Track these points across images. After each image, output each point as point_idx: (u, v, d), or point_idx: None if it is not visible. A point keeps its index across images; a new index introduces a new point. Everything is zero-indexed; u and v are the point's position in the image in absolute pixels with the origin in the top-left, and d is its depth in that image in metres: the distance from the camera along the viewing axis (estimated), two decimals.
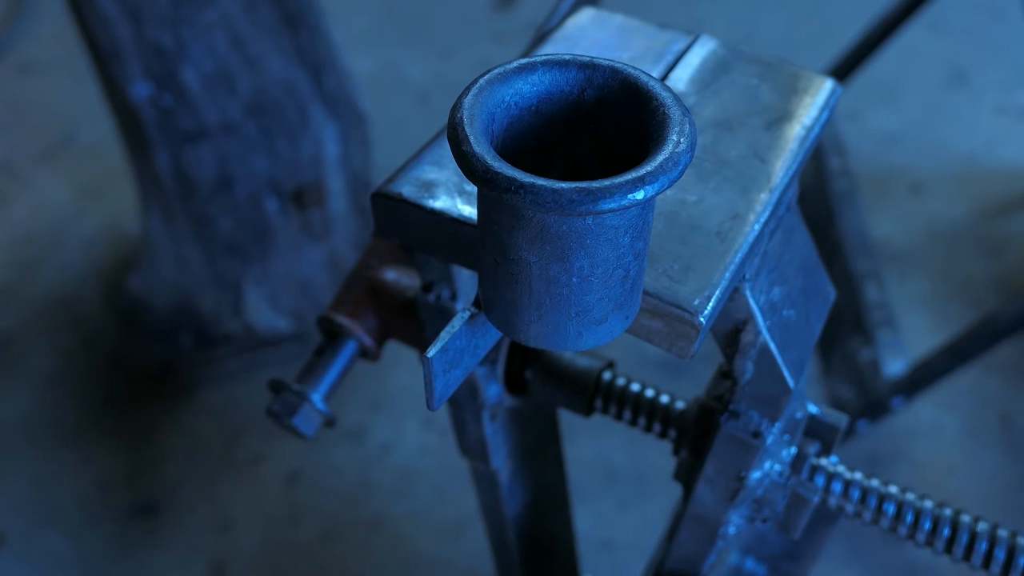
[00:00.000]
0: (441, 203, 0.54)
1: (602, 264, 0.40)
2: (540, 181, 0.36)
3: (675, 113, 0.40)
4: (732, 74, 0.63)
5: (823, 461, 0.68)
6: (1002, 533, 0.64)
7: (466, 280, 0.64)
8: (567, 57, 0.43)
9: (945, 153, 2.09)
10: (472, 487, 0.87)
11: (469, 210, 0.54)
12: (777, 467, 0.66)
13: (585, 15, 0.67)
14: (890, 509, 0.66)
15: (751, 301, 0.55)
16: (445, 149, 0.57)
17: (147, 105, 1.41)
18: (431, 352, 0.44)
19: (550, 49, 0.65)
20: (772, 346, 0.57)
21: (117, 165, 1.81)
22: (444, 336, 0.45)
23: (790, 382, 0.59)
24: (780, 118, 0.59)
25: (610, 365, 0.76)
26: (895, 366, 1.58)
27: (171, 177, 1.49)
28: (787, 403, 0.61)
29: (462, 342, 0.46)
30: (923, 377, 1.47)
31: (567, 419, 0.88)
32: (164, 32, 1.35)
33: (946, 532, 0.65)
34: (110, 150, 1.81)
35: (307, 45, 1.46)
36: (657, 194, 0.37)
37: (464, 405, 0.76)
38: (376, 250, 0.74)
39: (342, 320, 0.71)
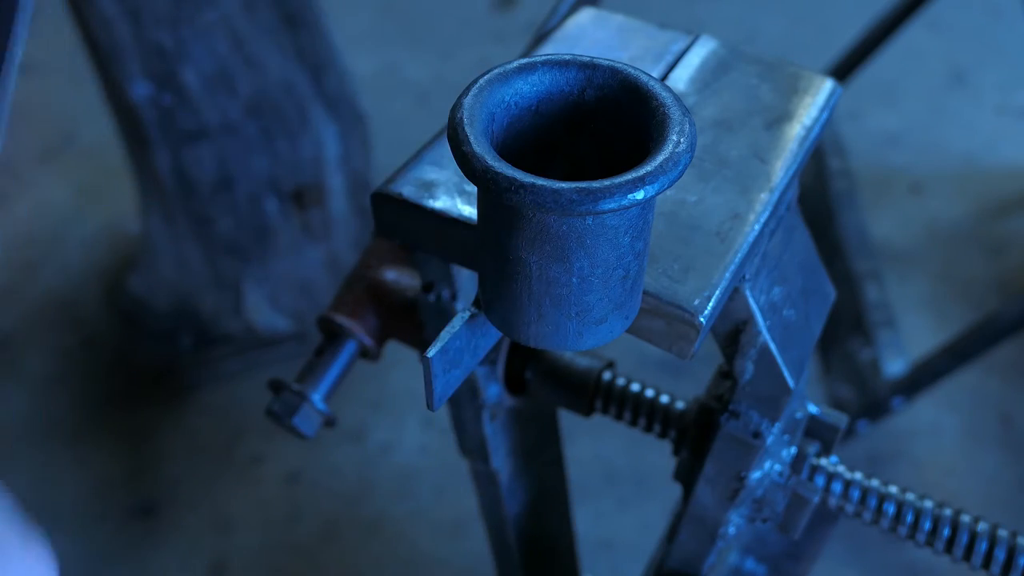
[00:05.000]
0: (441, 203, 0.54)
1: (602, 264, 0.40)
2: (540, 181, 0.36)
3: (675, 113, 0.40)
4: (732, 74, 0.63)
5: (823, 461, 0.68)
6: (1002, 533, 0.64)
7: (466, 280, 0.64)
8: (567, 57, 0.43)
9: (945, 153, 2.09)
10: (472, 487, 0.87)
11: (469, 210, 0.54)
12: (777, 467, 0.66)
13: (585, 15, 0.67)
14: (890, 509, 0.66)
15: (751, 301, 0.55)
16: (445, 149, 0.57)
17: (147, 105, 1.41)
18: (431, 352, 0.44)
19: (550, 49, 0.65)
20: (772, 346, 0.57)
21: (117, 165, 1.81)
22: (444, 336, 0.45)
23: (790, 382, 0.59)
24: (780, 118, 0.59)
25: (610, 365, 0.76)
26: (895, 366, 1.58)
27: (171, 177, 1.49)
28: (787, 403, 0.61)
29: (462, 342, 0.46)
30: (923, 377, 1.47)
31: (567, 419, 0.88)
32: (164, 32, 1.35)
33: (946, 532, 0.65)
34: (110, 150, 1.82)
35: (307, 45, 1.46)
36: (657, 194, 0.37)
37: (464, 405, 0.75)
38: (376, 250, 0.74)
39: (342, 320, 0.71)
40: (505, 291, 0.42)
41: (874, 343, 1.63)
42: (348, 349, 0.72)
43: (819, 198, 1.90)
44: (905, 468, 1.54)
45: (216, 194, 1.52)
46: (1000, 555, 0.64)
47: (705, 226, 0.52)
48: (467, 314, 0.46)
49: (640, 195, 0.36)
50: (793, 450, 0.67)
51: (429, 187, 0.55)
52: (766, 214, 0.53)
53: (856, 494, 0.67)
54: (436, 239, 0.55)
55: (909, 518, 0.66)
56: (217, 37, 1.39)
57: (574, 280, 0.40)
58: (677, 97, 0.41)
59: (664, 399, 0.74)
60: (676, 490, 0.74)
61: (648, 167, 0.37)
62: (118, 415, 1.65)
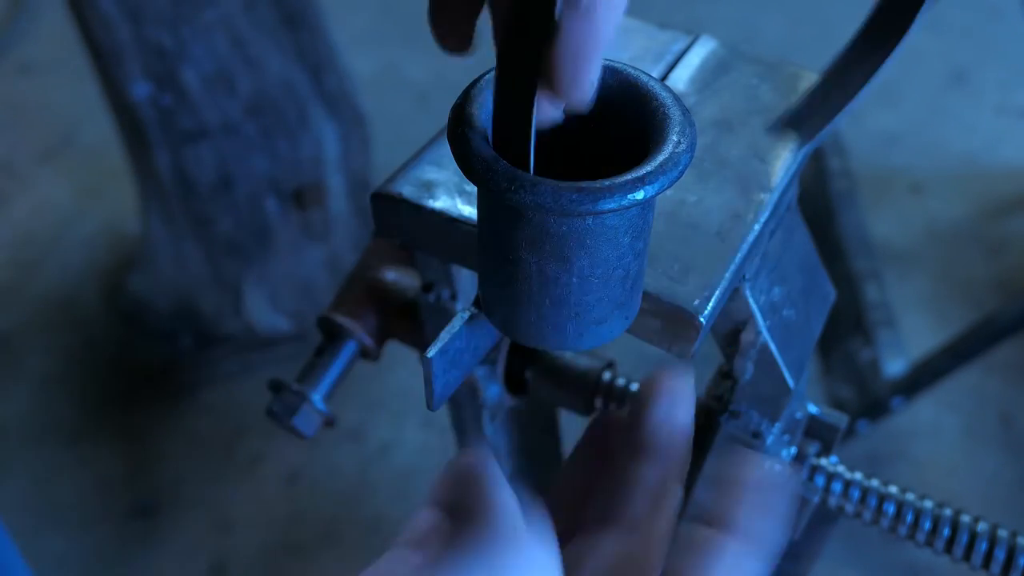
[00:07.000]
0: (441, 203, 0.54)
1: (602, 264, 0.40)
2: (540, 181, 0.36)
3: (675, 113, 0.40)
4: (732, 74, 0.63)
5: (823, 461, 0.68)
6: (1002, 533, 0.64)
7: (466, 280, 0.64)
8: None
9: (945, 153, 2.09)
10: None
11: (469, 210, 0.54)
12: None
13: None
14: (890, 509, 0.66)
15: (751, 301, 0.55)
16: (445, 149, 0.57)
17: (147, 105, 1.41)
18: (431, 352, 0.44)
19: None
20: (772, 346, 0.57)
21: (117, 165, 1.81)
22: (444, 336, 0.45)
23: (790, 382, 0.59)
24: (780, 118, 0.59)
25: (610, 365, 0.76)
26: (895, 366, 1.58)
27: (171, 177, 1.49)
28: (787, 403, 0.61)
29: (462, 342, 0.46)
30: (923, 377, 1.47)
31: (567, 419, 0.88)
32: (164, 32, 1.35)
33: (946, 532, 0.65)
34: (110, 150, 1.82)
35: (307, 45, 1.46)
36: (657, 194, 0.37)
37: (464, 405, 0.75)
38: (376, 250, 0.74)
39: (342, 320, 0.71)
40: (505, 291, 0.42)
41: (874, 343, 1.63)
42: (348, 349, 0.72)
43: (819, 198, 1.90)
44: (905, 468, 1.54)
45: (216, 194, 1.52)
46: (1000, 555, 0.64)
47: (705, 226, 0.52)
48: (467, 314, 0.46)
49: (640, 195, 0.36)
50: (793, 450, 0.67)
51: (429, 187, 0.55)
52: (766, 214, 0.53)
53: (856, 494, 0.67)
54: (436, 239, 0.55)
55: (909, 518, 0.66)
56: (217, 37, 1.39)
57: (574, 280, 0.40)
58: (677, 97, 0.41)
59: None
60: None
61: (648, 167, 0.37)
62: (118, 415, 1.65)
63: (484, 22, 0.42)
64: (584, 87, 0.37)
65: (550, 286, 0.41)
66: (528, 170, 0.38)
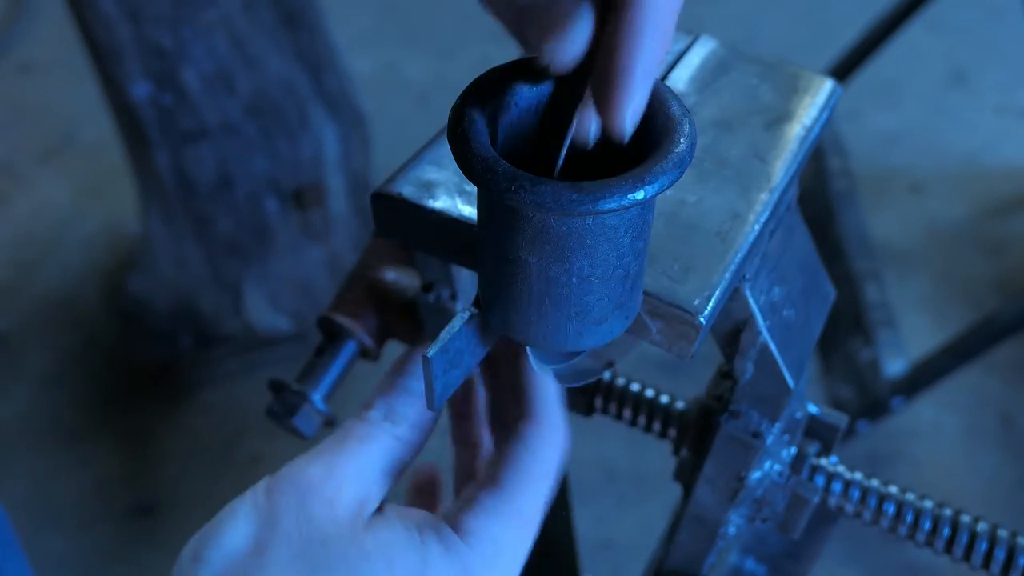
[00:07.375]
0: (441, 203, 0.54)
1: (602, 264, 0.40)
2: (540, 181, 0.36)
3: (676, 113, 0.40)
4: (732, 74, 0.63)
5: (823, 461, 0.68)
6: (1002, 533, 0.64)
7: (466, 280, 0.64)
8: None
9: (945, 153, 2.09)
10: None
11: (469, 210, 0.54)
12: (777, 467, 0.66)
13: None
14: (890, 509, 0.66)
15: (751, 301, 0.55)
16: (445, 149, 0.57)
17: (147, 105, 1.41)
18: (431, 352, 0.44)
19: None
20: (772, 346, 0.57)
21: (117, 165, 1.81)
22: (444, 336, 0.45)
23: (790, 382, 0.59)
24: (780, 118, 0.59)
25: (610, 365, 0.76)
26: (895, 366, 1.58)
27: (171, 177, 1.49)
28: (787, 403, 0.61)
29: (462, 342, 0.46)
30: (923, 377, 1.47)
31: (567, 419, 0.88)
32: (164, 32, 1.35)
33: (946, 532, 0.65)
34: (110, 150, 1.82)
35: (307, 45, 1.46)
36: (657, 194, 0.37)
37: None
38: (376, 250, 0.74)
39: (342, 320, 0.71)
40: (505, 291, 0.42)
41: (874, 343, 1.63)
42: (348, 349, 0.72)
43: (819, 198, 1.90)
44: (905, 468, 1.54)
45: (216, 194, 1.52)
46: (1000, 555, 0.64)
47: (705, 226, 0.52)
48: (467, 314, 0.46)
49: (640, 195, 0.36)
50: (793, 450, 0.67)
51: (429, 187, 0.55)
52: (766, 214, 0.53)
53: (856, 494, 0.67)
54: (436, 239, 0.55)
55: (909, 518, 0.66)
56: (217, 37, 1.39)
57: (574, 280, 0.40)
58: (677, 97, 0.41)
59: (664, 399, 0.74)
60: (676, 490, 0.74)
61: (648, 167, 0.37)
62: (118, 415, 1.65)
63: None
64: (622, 109, 0.37)
65: (550, 286, 0.41)
66: (557, 161, 0.39)
